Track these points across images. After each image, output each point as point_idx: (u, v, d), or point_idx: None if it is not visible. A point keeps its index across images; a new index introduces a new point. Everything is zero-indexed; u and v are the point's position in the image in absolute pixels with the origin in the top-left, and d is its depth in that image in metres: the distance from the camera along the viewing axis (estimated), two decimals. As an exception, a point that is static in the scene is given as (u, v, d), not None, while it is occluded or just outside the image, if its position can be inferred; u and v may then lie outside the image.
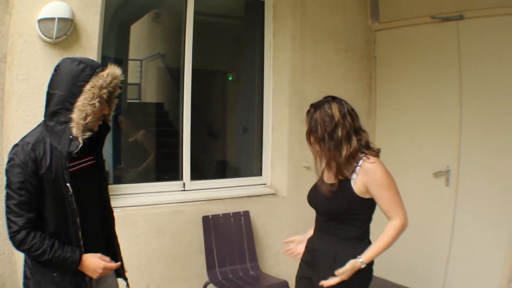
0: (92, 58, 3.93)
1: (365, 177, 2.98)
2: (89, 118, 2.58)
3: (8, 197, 2.54)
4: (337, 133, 3.00)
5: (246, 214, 5.20)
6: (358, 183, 3.00)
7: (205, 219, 4.94)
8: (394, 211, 2.98)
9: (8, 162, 2.57)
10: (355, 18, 6.13)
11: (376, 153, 3.07)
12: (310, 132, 3.11)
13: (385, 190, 2.97)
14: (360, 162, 3.00)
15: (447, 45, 5.54)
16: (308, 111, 3.14)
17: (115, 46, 5.36)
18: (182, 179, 5.19)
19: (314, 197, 3.29)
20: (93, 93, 2.57)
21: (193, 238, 4.91)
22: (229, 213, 5.11)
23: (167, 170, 6.10)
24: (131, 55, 6.95)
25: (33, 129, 2.71)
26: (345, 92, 5.73)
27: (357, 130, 3.08)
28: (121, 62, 5.92)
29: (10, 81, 3.94)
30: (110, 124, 2.94)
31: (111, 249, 3.03)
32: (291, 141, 5.60)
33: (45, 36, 3.95)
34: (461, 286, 5.36)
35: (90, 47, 4.21)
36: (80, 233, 2.68)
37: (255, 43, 5.86)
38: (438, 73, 5.64)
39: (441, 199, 5.54)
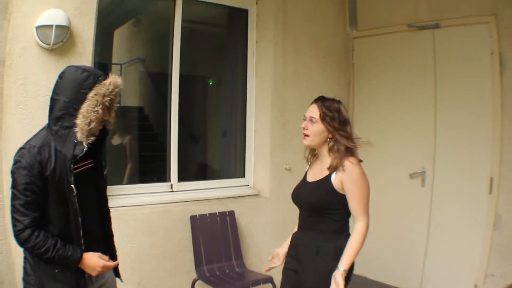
0: (87, 64, 4.08)
1: (343, 174, 3.13)
2: (93, 124, 2.66)
3: (14, 197, 2.60)
4: (347, 127, 3.22)
5: (232, 213, 5.28)
6: (337, 179, 3.16)
7: (193, 218, 5.01)
8: (361, 212, 3.14)
9: (14, 164, 2.62)
10: (334, 26, 6.23)
11: (358, 159, 3.22)
12: (325, 117, 3.20)
13: (357, 189, 3.12)
14: (346, 163, 3.14)
15: (423, 52, 5.66)
16: (318, 100, 3.31)
17: (99, 52, 5.34)
18: (169, 180, 5.25)
19: (298, 194, 3.42)
20: (97, 100, 2.66)
21: (182, 237, 4.98)
22: (215, 213, 5.19)
23: (153, 173, 6.15)
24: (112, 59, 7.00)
25: (37, 133, 2.77)
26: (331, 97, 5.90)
27: (353, 137, 3.27)
28: (106, 67, 5.99)
29: (8, 85, 3.97)
30: (110, 129, 3.02)
31: (109, 248, 3.10)
32: (273, 144, 5.69)
33: (43, 42, 3.98)
34: (438, 282, 5.50)
35: (85, 53, 4.26)
36: (81, 232, 2.75)
37: (238, 49, 5.93)
38: (414, 79, 5.76)
39: (417, 199, 5.66)
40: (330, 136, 3.22)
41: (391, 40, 6.03)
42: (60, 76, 2.73)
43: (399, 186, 5.79)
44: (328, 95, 5.35)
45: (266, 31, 5.75)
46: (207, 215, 5.13)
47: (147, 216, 4.79)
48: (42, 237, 2.61)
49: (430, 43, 5.61)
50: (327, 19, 6.16)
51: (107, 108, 2.76)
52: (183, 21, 5.23)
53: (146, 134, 7.94)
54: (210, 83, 7.64)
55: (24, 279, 2.78)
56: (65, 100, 2.64)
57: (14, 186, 2.60)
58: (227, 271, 5.03)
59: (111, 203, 4.40)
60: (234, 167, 6.04)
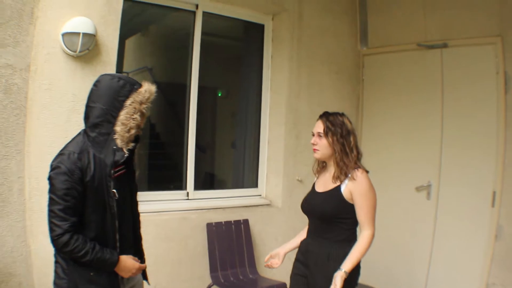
0: (111, 72, 4.02)
1: (352, 185, 3.21)
2: (132, 131, 2.67)
3: (52, 203, 2.56)
4: (350, 139, 3.28)
5: (246, 222, 5.25)
6: (346, 189, 3.22)
7: (209, 226, 4.98)
8: (368, 222, 3.20)
9: (53, 169, 2.59)
10: (346, 43, 6.24)
11: (366, 170, 3.29)
12: (328, 132, 3.28)
13: (365, 200, 3.19)
14: (352, 172, 3.22)
15: (431, 70, 5.66)
16: (322, 116, 3.39)
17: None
18: (186, 188, 5.21)
19: (309, 204, 3.46)
20: (135, 108, 2.66)
21: (197, 244, 4.93)
22: (230, 221, 5.15)
23: (163, 181, 6.10)
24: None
25: (73, 139, 2.74)
26: (334, 111, 5.87)
27: (357, 146, 3.34)
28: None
29: (33, 90, 3.91)
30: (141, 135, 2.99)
31: (138, 251, 3.07)
32: (286, 155, 5.66)
33: (69, 49, 3.94)
34: None
35: (109, 62, 4.22)
36: (117, 236, 2.73)
37: (253, 63, 5.92)
38: (422, 96, 5.75)
39: (423, 211, 5.64)
40: (338, 145, 3.26)
41: (400, 58, 6.03)
42: (95, 84, 2.72)
43: (406, 199, 5.75)
44: (338, 110, 5.37)
45: (281, 46, 5.74)
46: (223, 223, 5.10)
47: (165, 222, 4.75)
48: (81, 241, 2.57)
49: (438, 62, 5.60)
50: (340, 36, 6.18)
51: (143, 115, 2.74)
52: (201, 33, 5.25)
53: (153, 143, 7.89)
54: (219, 94, 7.59)
55: (56, 283, 2.72)
56: (102, 107, 2.64)
57: (53, 191, 2.57)
58: (241, 277, 4.98)
59: None
60: (247, 177, 6.00)
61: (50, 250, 3.84)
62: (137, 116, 2.67)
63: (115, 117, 2.64)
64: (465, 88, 5.41)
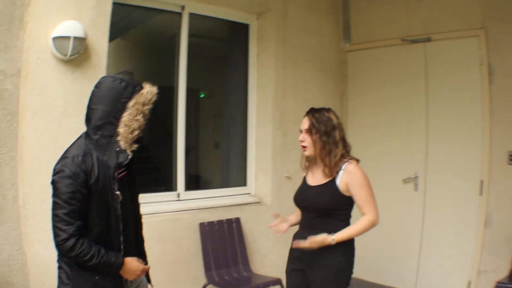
0: (101, 76, 3.89)
1: (347, 178, 3.26)
2: (135, 132, 2.62)
3: (57, 207, 2.49)
4: (335, 134, 3.27)
5: (237, 220, 5.20)
6: (342, 182, 3.26)
7: (202, 225, 4.91)
8: (368, 208, 3.24)
9: (57, 173, 2.51)
10: (330, 41, 6.23)
11: (357, 160, 3.33)
12: (312, 129, 3.30)
13: (362, 190, 3.23)
14: (344, 165, 3.28)
15: (415, 64, 5.69)
16: (309, 112, 3.39)
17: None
18: (176, 189, 5.13)
19: (304, 197, 3.46)
20: (137, 109, 2.61)
21: (191, 244, 4.87)
22: (222, 220, 5.09)
23: (152, 183, 6.00)
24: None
25: (75, 142, 2.67)
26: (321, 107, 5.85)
27: (344, 139, 3.35)
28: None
29: (24, 95, 3.76)
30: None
31: (141, 252, 3.01)
32: (274, 153, 5.62)
33: (59, 53, 3.80)
34: (433, 279, 5.50)
35: (99, 66, 4.10)
36: (121, 238, 2.66)
37: (239, 63, 5.85)
38: (406, 89, 5.79)
39: (411, 202, 5.68)
40: (321, 143, 3.28)
41: (383, 53, 6.04)
42: (97, 86, 2.67)
43: (393, 191, 5.75)
44: (322, 106, 5.35)
45: (266, 46, 5.69)
46: (215, 222, 5.03)
47: (158, 224, 4.65)
48: (86, 245, 2.50)
49: (422, 56, 5.64)
50: (323, 34, 6.16)
51: (145, 117, 2.68)
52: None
53: (140, 146, 7.77)
54: (202, 96, 7.53)
55: None
56: (104, 109, 2.58)
57: (57, 195, 2.50)
58: (235, 275, 4.93)
59: None
60: (236, 176, 5.95)
61: (46, 257, 3.77)
62: (140, 117, 2.62)
63: (117, 119, 2.58)
64: (449, 80, 5.46)
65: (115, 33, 6.60)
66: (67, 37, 3.78)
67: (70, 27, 3.81)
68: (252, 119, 5.76)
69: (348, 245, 3.30)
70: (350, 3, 6.30)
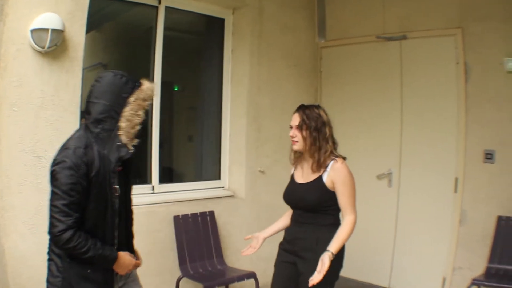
0: (78, 68, 4.09)
1: (333, 175, 3.34)
2: (136, 127, 2.68)
3: (56, 197, 2.51)
4: (325, 130, 3.38)
5: (212, 214, 5.27)
6: (328, 179, 3.34)
7: (176, 218, 4.98)
8: (350, 207, 3.33)
9: (57, 164, 2.55)
10: (305, 36, 6.34)
11: (344, 158, 3.42)
12: (302, 125, 3.38)
13: (346, 188, 3.32)
14: (331, 162, 3.36)
15: (390, 62, 5.82)
16: (299, 109, 3.48)
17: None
18: (151, 182, 5.20)
19: (293, 195, 3.54)
20: (138, 105, 2.67)
21: (165, 237, 4.94)
22: (196, 213, 5.16)
23: (134, 175, 6.04)
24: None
25: (74, 135, 2.71)
26: (293, 103, 5.78)
27: (333, 136, 3.45)
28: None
29: (3, 87, 3.81)
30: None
31: (131, 247, 3.05)
32: (248, 147, 5.71)
33: (37, 45, 3.86)
34: (407, 276, 5.63)
35: (76, 58, 4.17)
36: (116, 233, 2.73)
37: (214, 57, 5.92)
38: (381, 86, 5.90)
39: (385, 198, 5.81)
40: (311, 139, 3.36)
41: (358, 50, 6.16)
42: (98, 80, 2.71)
43: (367, 187, 5.83)
44: (296, 101, 5.44)
45: (242, 40, 5.78)
46: (189, 215, 5.10)
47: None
48: (83, 237, 2.54)
49: (397, 54, 5.76)
50: (299, 30, 6.28)
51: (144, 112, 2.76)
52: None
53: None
54: (175, 89, 7.55)
55: (49, 281, 2.68)
56: (106, 103, 2.64)
57: (57, 186, 2.53)
58: (210, 268, 5.01)
59: None
60: (210, 170, 6.02)
61: (23, 249, 3.83)
62: (141, 112, 2.69)
63: (118, 113, 2.64)
64: (424, 78, 5.59)
65: (91, 25, 6.60)
66: (45, 29, 3.83)
67: (48, 19, 3.86)
68: (227, 113, 5.84)
69: None
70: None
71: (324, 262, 3.12)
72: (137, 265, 2.92)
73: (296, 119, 3.43)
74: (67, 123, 4.09)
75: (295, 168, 3.63)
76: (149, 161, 5.24)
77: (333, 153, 3.40)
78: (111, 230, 2.72)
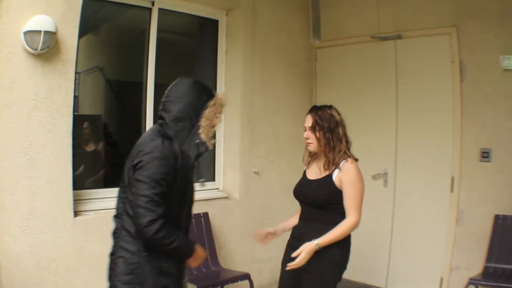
0: (71, 70, 4.17)
1: (342, 174, 3.40)
2: (215, 127, 2.84)
3: (146, 187, 2.55)
4: (338, 130, 3.47)
5: (206, 215, 5.35)
6: (337, 178, 3.41)
7: None
8: (353, 209, 3.37)
9: (147, 154, 2.62)
10: (299, 37, 6.43)
11: (356, 159, 3.50)
12: (315, 126, 3.46)
13: (352, 189, 3.37)
14: (342, 162, 3.42)
15: (385, 61, 5.88)
16: (312, 110, 3.57)
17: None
18: None
19: (302, 191, 3.63)
20: (217, 108, 2.82)
21: None
22: (191, 215, 5.22)
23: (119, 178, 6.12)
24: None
25: (152, 132, 2.81)
26: (288, 104, 6.07)
27: (346, 135, 3.55)
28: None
29: (-5, 89, 3.89)
30: None
31: None
32: (242, 149, 5.78)
33: (30, 47, 3.94)
34: (404, 276, 5.68)
35: (69, 60, 4.25)
36: (189, 226, 2.91)
37: (208, 58, 6.00)
38: (376, 87, 5.96)
39: (380, 199, 5.84)
40: (325, 140, 3.45)
41: (353, 50, 6.22)
42: (177, 84, 2.88)
43: (363, 187, 5.93)
44: (291, 102, 5.55)
45: (235, 41, 5.85)
46: None
47: None
48: (170, 227, 2.61)
49: (392, 53, 5.82)
50: (293, 31, 6.36)
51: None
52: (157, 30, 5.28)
53: (108, 142, 7.85)
54: None
55: (120, 280, 2.70)
56: (187, 103, 2.79)
57: (148, 176, 2.58)
58: (204, 270, 5.08)
59: (91, 206, 4.52)
60: (205, 171, 6.07)
61: (17, 251, 3.90)
62: (219, 115, 2.84)
63: (198, 113, 2.78)
64: (419, 78, 5.65)
65: (87, 28, 6.72)
66: (38, 32, 3.91)
67: (40, 22, 3.94)
68: None
69: (344, 238, 3.44)
70: (320, 0, 6.47)
71: (301, 249, 3.24)
72: (205, 258, 3.01)
73: (309, 121, 3.51)
74: (60, 125, 4.17)
75: (309, 166, 3.71)
76: None
77: (346, 153, 3.48)
78: (186, 222, 2.84)
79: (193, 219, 5.08)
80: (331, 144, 3.44)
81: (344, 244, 3.46)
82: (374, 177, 5.89)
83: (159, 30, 5.33)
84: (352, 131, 5.88)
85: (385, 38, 5.86)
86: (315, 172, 3.56)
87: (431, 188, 5.59)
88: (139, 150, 2.67)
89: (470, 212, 5.30)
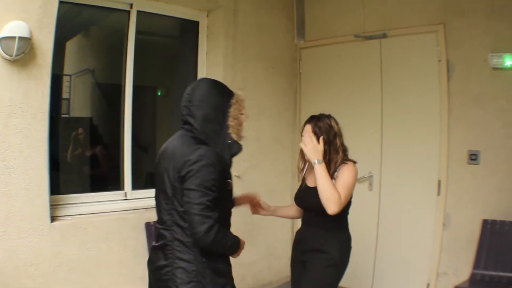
0: (46, 75, 4.43)
1: (338, 173, 3.69)
2: (243, 126, 3.12)
3: (200, 195, 2.79)
4: (336, 141, 3.76)
5: (184, 220, 5.61)
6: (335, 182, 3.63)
7: (147, 225, 5.31)
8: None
9: (195, 162, 2.84)
10: (283, 37, 6.72)
11: (354, 162, 3.83)
12: (315, 135, 3.71)
13: (341, 182, 3.65)
14: (340, 167, 3.71)
15: (370, 61, 6.10)
16: (311, 120, 3.83)
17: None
18: (123, 189, 5.54)
19: (303, 198, 3.94)
20: (240, 105, 3.11)
21: (137, 243, 5.26)
22: (168, 220, 5.50)
23: (107, 181, 6.43)
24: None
25: (188, 139, 3.04)
26: (271, 106, 6.32)
27: (343, 144, 3.85)
28: (58, 78, 6.32)
29: (-28, 95, 4.11)
30: None
31: None
32: (223, 153, 6.04)
33: (5, 53, 4.19)
34: (390, 281, 5.91)
35: (44, 65, 4.49)
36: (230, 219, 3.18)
37: (189, 60, 6.28)
38: (361, 87, 6.19)
39: (365, 202, 6.05)
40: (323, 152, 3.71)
41: (338, 50, 6.47)
42: (198, 86, 3.16)
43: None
44: (275, 104, 5.81)
45: (216, 43, 6.12)
46: None
47: (104, 224, 5.04)
48: (223, 230, 2.91)
49: (377, 53, 6.07)
50: (277, 31, 6.64)
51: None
52: (136, 32, 5.54)
53: (93, 144, 8.13)
54: (159, 94, 7.91)
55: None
56: (213, 104, 3.07)
57: (199, 184, 2.81)
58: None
59: (69, 211, 4.79)
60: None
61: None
62: (244, 111, 3.11)
63: (225, 113, 3.06)
64: (405, 77, 5.87)
65: (72, 31, 7.03)
66: (13, 38, 4.17)
67: (15, 28, 4.21)
68: None
69: (345, 242, 3.80)
70: None
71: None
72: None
73: (308, 130, 3.76)
74: (36, 131, 4.44)
75: (307, 172, 3.97)
76: (122, 167, 5.59)
77: (344, 160, 3.78)
78: (229, 220, 3.17)
79: (172, 224, 5.40)
80: (327, 156, 3.71)
81: (345, 248, 3.80)
82: (359, 180, 6.03)
83: (140, 32, 5.58)
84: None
85: (370, 37, 6.09)
86: (314, 179, 3.72)
87: (418, 191, 5.78)
88: (185, 160, 2.87)
89: (458, 216, 5.48)
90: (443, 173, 5.60)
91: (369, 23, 6.22)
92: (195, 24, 6.21)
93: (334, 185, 3.56)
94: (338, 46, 6.54)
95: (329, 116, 3.81)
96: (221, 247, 2.93)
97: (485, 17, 5.33)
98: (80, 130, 6.52)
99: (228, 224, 3.15)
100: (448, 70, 5.56)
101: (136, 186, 5.82)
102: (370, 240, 6.09)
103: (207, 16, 6.22)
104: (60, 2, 4.65)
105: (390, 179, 6.04)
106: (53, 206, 4.75)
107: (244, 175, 6.14)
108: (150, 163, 7.46)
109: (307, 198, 3.83)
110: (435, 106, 5.65)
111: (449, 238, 5.54)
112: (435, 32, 5.63)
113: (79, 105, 8.57)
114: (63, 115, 7.71)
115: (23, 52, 4.32)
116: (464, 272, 5.25)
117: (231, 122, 3.04)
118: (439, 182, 5.63)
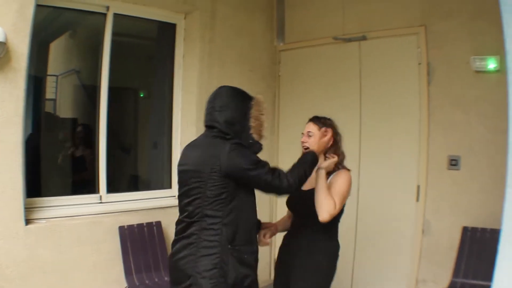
0: (21, 79, 4.73)
1: (332, 179, 3.89)
2: (263, 126, 3.51)
3: (264, 171, 3.34)
4: (340, 143, 4.12)
5: (158, 224, 5.92)
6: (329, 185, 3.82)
7: (121, 229, 5.62)
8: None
9: (232, 151, 3.29)
10: (262, 40, 7.03)
11: (348, 170, 4.04)
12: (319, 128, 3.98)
13: (335, 186, 3.84)
14: (334, 173, 3.94)
15: (349, 64, 6.33)
16: (315, 119, 4.11)
17: (35, 64, 5.76)
18: (98, 192, 5.83)
19: (295, 201, 4.15)
20: (259, 107, 3.51)
21: (111, 247, 5.54)
22: (142, 223, 5.80)
23: (86, 184, 6.76)
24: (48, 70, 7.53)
25: (213, 139, 3.45)
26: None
27: (343, 151, 4.16)
28: (41, 80, 6.61)
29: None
30: None
31: None
32: (199, 156, 6.36)
33: (-20, 58, 4.42)
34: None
35: (19, 68, 4.77)
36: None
37: (166, 63, 6.59)
38: (340, 90, 6.41)
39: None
40: (329, 145, 4.06)
41: (317, 52, 6.71)
42: (218, 94, 3.61)
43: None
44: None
45: (193, 45, 6.42)
46: (135, 225, 5.73)
47: (78, 227, 5.32)
48: (292, 168, 3.57)
49: (356, 55, 6.30)
50: (255, 34, 6.95)
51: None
52: (114, 34, 5.85)
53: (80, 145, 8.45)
54: (141, 95, 8.23)
55: (205, 276, 3.26)
56: (233, 109, 3.47)
57: (250, 163, 3.31)
58: (156, 279, 5.62)
59: (43, 214, 5.11)
60: (162, 179, 6.65)
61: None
62: (264, 112, 3.50)
63: (246, 116, 3.45)
64: (385, 80, 6.10)
65: (55, 33, 7.35)
66: None
67: None
68: (177, 120, 6.52)
69: (332, 249, 3.97)
70: (284, 1, 7.02)
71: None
72: None
73: (311, 127, 4.05)
74: (10, 134, 4.73)
75: None
76: (97, 170, 5.88)
77: (339, 166, 4.03)
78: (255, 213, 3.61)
79: (145, 228, 5.77)
80: (324, 158, 4.00)
81: (332, 254, 4.03)
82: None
83: (118, 34, 5.89)
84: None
85: (349, 40, 6.33)
86: (309, 182, 3.82)
87: (396, 197, 5.97)
88: (218, 153, 3.31)
89: (437, 222, 5.65)
90: (423, 178, 5.76)
91: (349, 25, 6.41)
92: (173, 27, 6.54)
93: (330, 193, 3.72)
94: (318, 48, 6.77)
95: (330, 119, 4.10)
96: (304, 175, 3.50)
97: (468, 19, 5.48)
98: (66, 133, 6.79)
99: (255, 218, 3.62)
100: (428, 73, 5.74)
101: (117, 188, 6.14)
102: (348, 247, 6.16)
103: (185, 18, 6.49)
104: (37, 6, 4.94)
105: (368, 184, 6.18)
106: (28, 209, 5.04)
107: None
108: (132, 165, 7.85)
109: (297, 200, 4.00)
110: (415, 110, 5.81)
111: (429, 245, 5.69)
112: (416, 34, 5.80)
113: (65, 105, 8.83)
114: (48, 115, 7.98)
115: (-2, 57, 4.56)
116: (444, 279, 5.36)
117: (252, 123, 3.44)
118: (418, 187, 5.80)
